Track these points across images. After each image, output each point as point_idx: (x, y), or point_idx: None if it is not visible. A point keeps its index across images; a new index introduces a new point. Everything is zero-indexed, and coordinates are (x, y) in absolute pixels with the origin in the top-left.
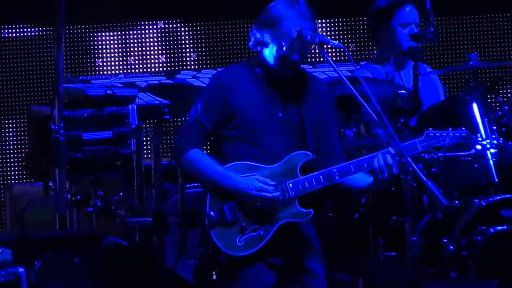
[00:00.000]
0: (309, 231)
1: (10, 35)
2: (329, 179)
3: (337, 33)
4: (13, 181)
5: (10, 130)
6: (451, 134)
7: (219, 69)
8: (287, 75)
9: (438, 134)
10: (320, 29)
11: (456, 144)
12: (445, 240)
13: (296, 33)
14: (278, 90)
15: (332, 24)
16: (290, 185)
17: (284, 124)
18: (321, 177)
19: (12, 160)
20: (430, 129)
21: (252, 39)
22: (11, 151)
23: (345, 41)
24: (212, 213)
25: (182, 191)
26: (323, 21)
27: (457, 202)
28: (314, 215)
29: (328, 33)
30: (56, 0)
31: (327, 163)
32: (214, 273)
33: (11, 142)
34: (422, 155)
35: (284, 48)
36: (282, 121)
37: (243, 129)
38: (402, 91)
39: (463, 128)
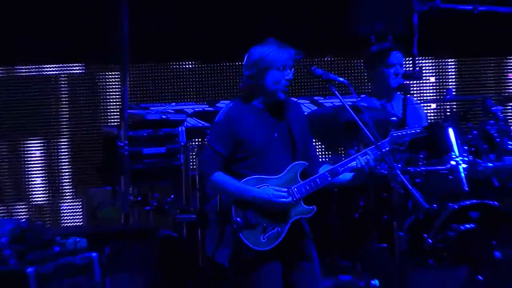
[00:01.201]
0: (306, 226)
1: (82, 71)
2: (324, 181)
3: (342, 70)
4: (88, 186)
5: (87, 145)
6: (409, 131)
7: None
8: (277, 103)
9: (399, 133)
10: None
11: (415, 139)
12: (425, 235)
13: (289, 76)
14: (272, 116)
15: (337, 63)
16: (295, 189)
17: (280, 142)
18: (317, 180)
19: (88, 168)
20: (392, 130)
21: (244, 80)
22: (88, 161)
23: (349, 77)
24: (238, 219)
25: (220, 195)
26: (333, 59)
27: (435, 205)
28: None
29: (336, 70)
30: (122, 47)
31: (311, 165)
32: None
33: (88, 154)
34: (408, 168)
35: (279, 89)
36: (278, 140)
37: (250, 152)
38: (393, 118)
39: (416, 126)
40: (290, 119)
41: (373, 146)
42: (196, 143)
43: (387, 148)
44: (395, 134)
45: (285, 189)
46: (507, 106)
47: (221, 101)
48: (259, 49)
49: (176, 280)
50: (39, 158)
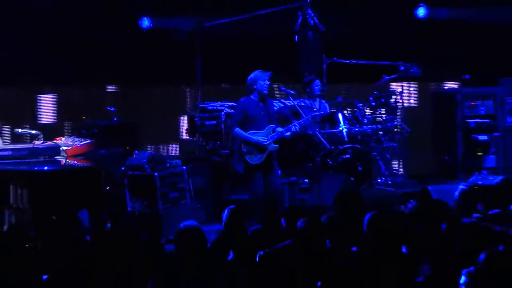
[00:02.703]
0: (275, 154)
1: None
2: (282, 134)
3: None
4: (181, 137)
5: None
6: (315, 113)
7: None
8: (263, 98)
9: (312, 113)
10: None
11: (324, 118)
12: (329, 160)
13: (267, 84)
14: (260, 104)
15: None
16: (270, 137)
17: (264, 116)
18: (279, 133)
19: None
20: (311, 112)
21: (248, 88)
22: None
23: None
24: (244, 149)
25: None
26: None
27: (333, 147)
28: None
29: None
30: (197, 76)
31: (275, 128)
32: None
33: (182, 126)
34: (322, 131)
35: (263, 90)
36: (263, 115)
37: (250, 120)
38: (315, 109)
39: (321, 111)
40: (268, 106)
41: (303, 119)
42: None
43: (309, 119)
44: (312, 114)
45: (266, 138)
46: (366, 103)
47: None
48: (254, 73)
49: (221, 178)
50: None
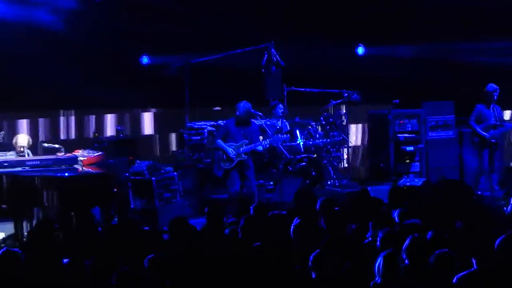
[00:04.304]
0: (251, 162)
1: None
2: (253, 147)
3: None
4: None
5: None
6: (284, 137)
7: (226, 119)
8: (245, 121)
9: (281, 136)
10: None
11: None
12: (289, 167)
13: (245, 113)
14: (242, 125)
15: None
16: (241, 149)
17: (241, 135)
18: (251, 147)
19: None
20: (279, 135)
21: (235, 109)
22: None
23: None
24: (220, 157)
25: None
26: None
27: (291, 156)
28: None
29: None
30: (186, 101)
31: (247, 143)
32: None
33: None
34: (283, 144)
35: (242, 116)
36: (241, 134)
37: (230, 137)
38: (278, 127)
39: (281, 128)
40: (249, 127)
41: (271, 138)
42: (210, 135)
43: (279, 142)
44: (281, 139)
45: (235, 151)
46: (318, 122)
47: (219, 120)
48: (240, 103)
49: (204, 182)
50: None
